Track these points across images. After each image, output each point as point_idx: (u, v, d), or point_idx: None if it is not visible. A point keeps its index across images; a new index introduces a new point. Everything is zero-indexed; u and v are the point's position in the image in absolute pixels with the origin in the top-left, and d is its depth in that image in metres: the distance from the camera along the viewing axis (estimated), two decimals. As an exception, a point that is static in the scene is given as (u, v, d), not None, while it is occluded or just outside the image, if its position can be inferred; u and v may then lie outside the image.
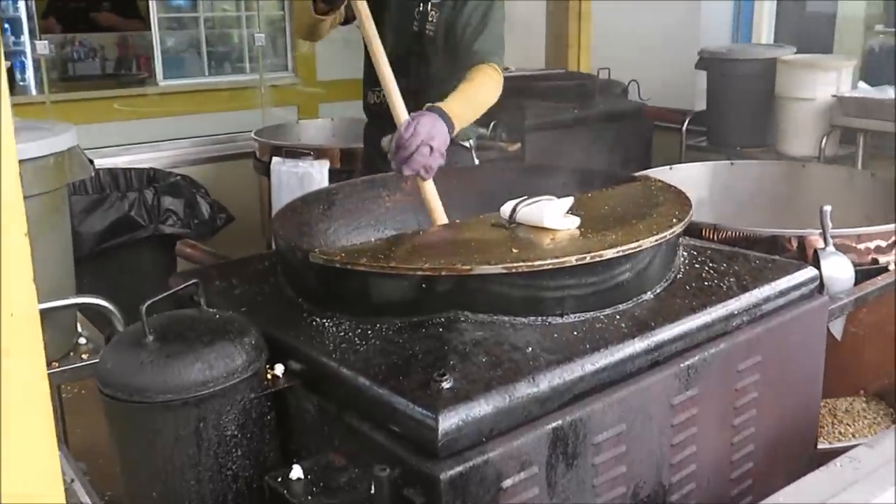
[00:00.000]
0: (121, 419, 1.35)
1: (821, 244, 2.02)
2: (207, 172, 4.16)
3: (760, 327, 1.58)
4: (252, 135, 3.77)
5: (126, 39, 6.29)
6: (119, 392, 1.31)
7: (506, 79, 2.40)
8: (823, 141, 3.68)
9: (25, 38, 5.39)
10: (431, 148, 1.86)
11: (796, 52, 3.98)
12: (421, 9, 2.37)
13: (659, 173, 2.82)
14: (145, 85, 5.80)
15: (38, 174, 1.88)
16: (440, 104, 2.05)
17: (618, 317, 1.46)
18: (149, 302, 1.37)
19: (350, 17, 2.23)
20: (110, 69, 6.35)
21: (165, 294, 1.45)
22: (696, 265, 1.66)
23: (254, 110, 5.07)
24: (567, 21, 4.87)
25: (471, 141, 2.56)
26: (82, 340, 2.11)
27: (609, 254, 1.40)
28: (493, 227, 1.57)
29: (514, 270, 1.36)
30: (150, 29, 5.64)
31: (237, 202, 3.95)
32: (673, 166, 2.81)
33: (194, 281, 1.49)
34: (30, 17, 5.33)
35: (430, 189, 1.87)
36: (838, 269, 1.98)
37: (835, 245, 2.03)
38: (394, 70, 2.12)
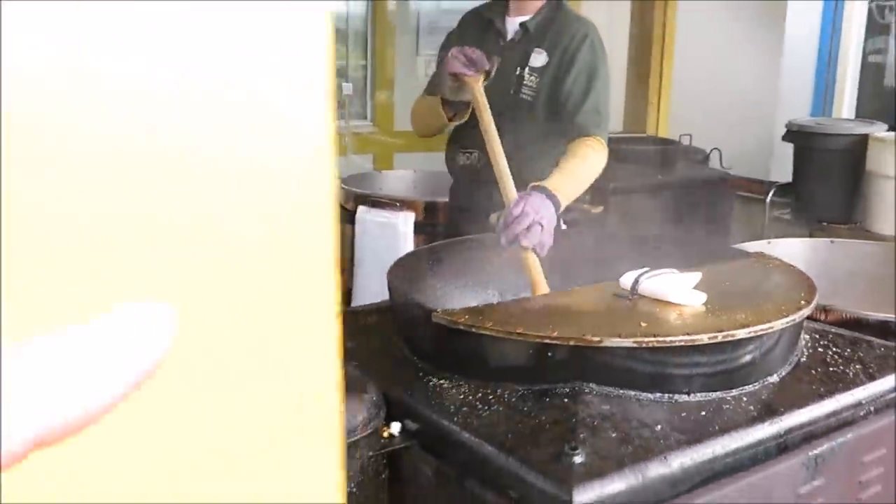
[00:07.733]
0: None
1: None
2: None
3: (887, 419, 1.53)
4: (339, 183, 3.81)
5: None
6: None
7: None
8: (916, 222, 3.60)
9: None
10: (542, 226, 1.89)
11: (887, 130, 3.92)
12: (518, 73, 2.31)
13: (757, 247, 2.78)
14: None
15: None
16: (545, 183, 2.06)
17: (744, 399, 1.42)
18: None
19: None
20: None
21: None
22: (820, 349, 1.62)
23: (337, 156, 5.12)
24: (648, 79, 4.88)
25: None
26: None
27: (741, 333, 1.37)
28: (616, 297, 1.55)
29: (644, 345, 1.33)
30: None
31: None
32: (771, 240, 2.76)
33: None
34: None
35: (534, 263, 1.87)
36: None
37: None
38: None
